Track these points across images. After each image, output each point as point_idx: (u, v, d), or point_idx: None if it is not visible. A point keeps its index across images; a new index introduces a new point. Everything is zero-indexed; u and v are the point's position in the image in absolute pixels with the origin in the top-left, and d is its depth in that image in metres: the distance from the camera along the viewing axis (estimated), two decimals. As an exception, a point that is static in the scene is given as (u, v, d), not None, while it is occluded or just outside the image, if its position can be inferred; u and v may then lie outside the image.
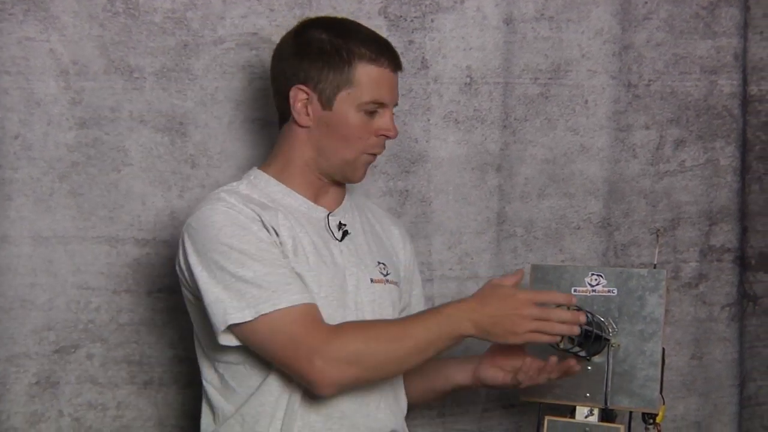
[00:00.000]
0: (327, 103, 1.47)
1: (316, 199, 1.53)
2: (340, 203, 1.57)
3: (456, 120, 1.89)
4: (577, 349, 1.66)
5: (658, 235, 1.86)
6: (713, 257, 2.06)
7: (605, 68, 1.94)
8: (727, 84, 2.01)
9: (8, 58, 1.67)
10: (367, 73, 1.46)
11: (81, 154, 1.72)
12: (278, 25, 1.76)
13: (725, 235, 2.05)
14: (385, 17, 1.82)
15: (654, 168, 2.01)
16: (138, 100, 1.73)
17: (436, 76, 1.87)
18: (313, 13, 1.77)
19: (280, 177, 1.52)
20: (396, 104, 1.52)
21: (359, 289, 1.51)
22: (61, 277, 1.73)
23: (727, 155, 2.03)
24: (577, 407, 1.70)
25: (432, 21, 1.84)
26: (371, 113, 1.48)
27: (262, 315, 1.36)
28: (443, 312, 1.44)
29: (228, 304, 1.37)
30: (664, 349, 1.70)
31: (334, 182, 1.55)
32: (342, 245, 1.52)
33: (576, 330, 1.45)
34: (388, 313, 1.55)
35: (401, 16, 1.83)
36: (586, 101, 1.95)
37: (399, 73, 1.51)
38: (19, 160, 1.70)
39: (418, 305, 1.70)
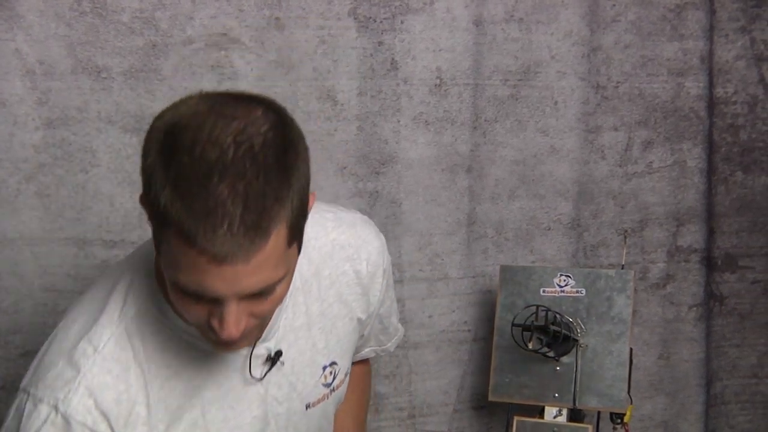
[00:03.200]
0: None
1: None
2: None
3: (426, 121, 1.89)
4: (545, 349, 1.67)
5: (625, 236, 1.88)
6: (680, 258, 2.08)
7: (574, 70, 1.95)
8: (694, 86, 2.03)
9: (-27, 57, 1.65)
10: (178, 251, 0.95)
11: (48, 154, 1.71)
12: (248, 26, 1.75)
13: (692, 235, 2.07)
14: (355, 18, 1.82)
15: (622, 169, 2.03)
16: (106, 100, 1.72)
17: (406, 78, 1.87)
18: (282, 14, 1.77)
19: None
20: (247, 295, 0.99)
21: (288, 428, 1.25)
22: (27, 280, 1.71)
23: (694, 157, 2.05)
24: (546, 407, 1.71)
25: (402, 22, 1.84)
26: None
27: None
28: None
29: None
30: (631, 349, 1.72)
31: None
32: (264, 383, 1.19)
33: None
34: (328, 423, 1.34)
35: (371, 18, 1.82)
36: (556, 102, 1.96)
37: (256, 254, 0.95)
38: (-16, 160, 1.68)
39: (374, 328, 1.41)
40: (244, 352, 1.14)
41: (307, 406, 1.26)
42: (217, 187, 0.91)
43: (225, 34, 1.76)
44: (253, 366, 1.16)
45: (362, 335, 1.37)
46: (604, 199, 2.02)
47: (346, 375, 1.31)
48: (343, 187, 1.85)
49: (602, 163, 2.01)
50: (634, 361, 1.74)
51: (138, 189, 1.72)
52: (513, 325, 1.66)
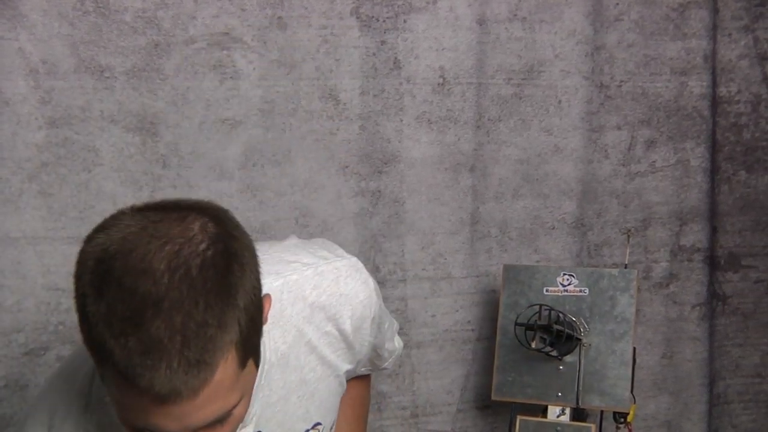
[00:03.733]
0: None
1: None
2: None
3: (429, 120, 1.89)
4: (548, 348, 1.66)
5: (628, 236, 1.88)
6: (683, 257, 2.07)
7: (578, 69, 1.95)
8: (697, 85, 2.03)
9: (-24, 57, 1.65)
10: (120, 390, 0.88)
11: (51, 154, 1.71)
12: (249, 25, 1.75)
13: (695, 235, 2.07)
14: (357, 18, 1.81)
15: (626, 168, 2.02)
16: (108, 99, 1.72)
17: (409, 77, 1.86)
18: (285, 14, 1.77)
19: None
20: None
21: None
22: (30, 279, 1.71)
23: (697, 156, 2.05)
24: (549, 407, 1.71)
25: (404, 21, 1.84)
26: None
27: None
28: None
29: None
30: (634, 348, 1.72)
31: None
32: None
33: None
34: None
35: (373, 17, 1.82)
36: (560, 102, 1.96)
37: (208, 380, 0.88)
38: (-13, 160, 1.68)
39: (370, 362, 1.35)
40: None
41: None
42: (152, 324, 0.83)
43: (227, 34, 1.75)
44: None
45: (354, 371, 1.30)
46: (608, 199, 2.02)
47: (332, 428, 1.26)
48: (345, 186, 1.85)
49: (606, 163, 2.01)
50: (638, 360, 1.74)
51: (140, 188, 1.73)
52: (516, 324, 1.66)
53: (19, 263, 1.70)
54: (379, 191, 1.88)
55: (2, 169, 1.68)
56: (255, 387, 1.05)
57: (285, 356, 1.14)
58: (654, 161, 2.03)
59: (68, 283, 1.72)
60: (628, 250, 1.86)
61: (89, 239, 0.90)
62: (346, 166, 1.85)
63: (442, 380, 1.98)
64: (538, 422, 1.69)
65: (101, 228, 0.91)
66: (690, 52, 2.01)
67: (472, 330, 1.98)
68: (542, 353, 1.66)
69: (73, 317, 1.74)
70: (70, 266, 1.76)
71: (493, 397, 1.76)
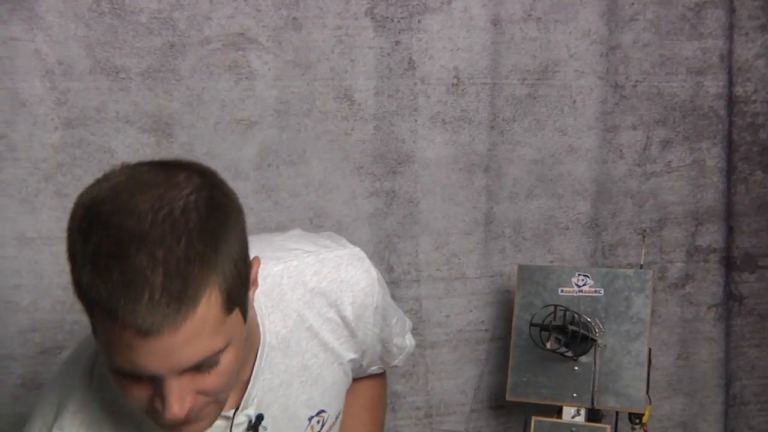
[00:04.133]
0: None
1: None
2: (247, 380, 1.11)
3: (443, 120, 1.89)
4: (563, 349, 1.66)
5: (644, 236, 1.87)
6: (699, 258, 2.06)
7: (593, 69, 1.95)
8: (713, 85, 2.02)
9: (-7, 58, 1.67)
10: (106, 330, 0.91)
11: (66, 154, 1.71)
12: (265, 26, 1.76)
13: (711, 235, 2.06)
14: (372, 18, 1.82)
15: (641, 168, 2.02)
16: (124, 100, 1.72)
17: (423, 77, 1.86)
18: (300, 14, 1.77)
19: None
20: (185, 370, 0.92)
21: None
22: (46, 278, 1.72)
23: (713, 156, 2.04)
24: (564, 407, 1.71)
25: (419, 22, 1.84)
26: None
27: None
28: None
29: None
30: (650, 349, 1.71)
31: None
32: None
33: None
34: None
35: (388, 17, 1.82)
36: (574, 102, 1.95)
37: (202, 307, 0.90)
38: (3, 160, 1.69)
39: (375, 353, 1.33)
40: (223, 423, 1.08)
41: None
42: (135, 258, 0.86)
43: (242, 34, 1.76)
44: None
45: (361, 365, 1.31)
46: (623, 199, 2.02)
47: (337, 418, 1.26)
48: (359, 186, 1.85)
49: (621, 163, 2.00)
50: (653, 361, 1.74)
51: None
52: (531, 324, 1.65)
53: (36, 263, 1.72)
54: (394, 191, 1.88)
55: (19, 170, 1.70)
56: (255, 370, 1.09)
57: (286, 340, 1.14)
58: (670, 161, 2.03)
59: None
60: (643, 251, 1.85)
61: (80, 195, 0.94)
62: (361, 167, 1.85)
63: (456, 380, 1.98)
64: (553, 423, 1.69)
65: (93, 184, 0.94)
66: (706, 51, 2.00)
67: (486, 330, 1.98)
68: (557, 354, 1.66)
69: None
70: (86, 266, 1.77)
71: (508, 398, 1.75)
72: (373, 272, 1.22)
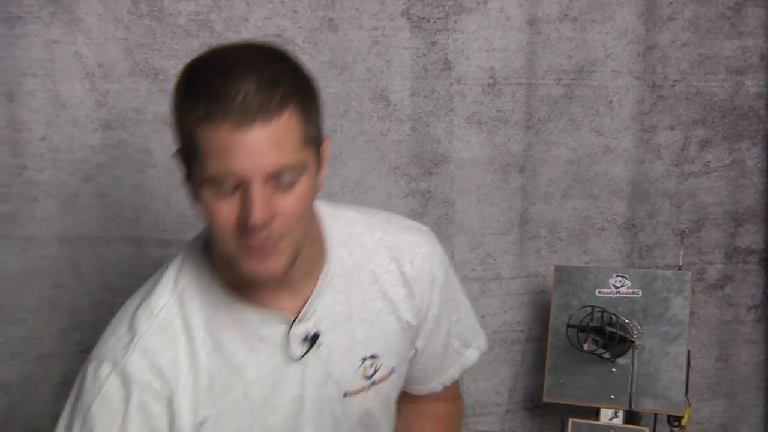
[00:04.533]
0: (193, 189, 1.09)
1: (271, 300, 1.17)
2: (309, 295, 1.19)
3: (479, 121, 1.88)
4: (601, 350, 1.65)
5: (682, 237, 1.86)
6: (739, 259, 2.04)
7: (629, 69, 1.93)
8: (753, 84, 1.99)
9: (34, 60, 1.69)
10: (202, 139, 1.02)
11: (106, 155, 1.74)
12: (301, 27, 1.76)
13: (751, 236, 2.04)
14: (408, 18, 1.82)
15: (679, 169, 2.00)
16: (162, 101, 1.74)
17: (459, 77, 1.86)
18: (336, 15, 1.78)
19: (223, 269, 1.17)
20: (276, 173, 1.03)
21: (323, 413, 1.24)
22: (86, 278, 1.74)
23: (753, 156, 2.02)
24: (602, 409, 1.70)
25: (455, 22, 1.84)
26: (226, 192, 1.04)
27: None
28: None
29: None
30: (689, 351, 1.70)
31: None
32: (302, 363, 1.19)
33: None
34: (375, 420, 1.32)
35: (424, 18, 1.82)
36: (611, 102, 1.94)
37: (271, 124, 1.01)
38: (45, 161, 1.72)
39: (434, 349, 1.37)
40: (282, 330, 1.17)
41: (345, 395, 1.25)
42: (233, 72, 1.00)
43: (279, 35, 1.77)
44: (293, 345, 1.18)
45: (416, 349, 1.34)
46: (660, 199, 2.00)
47: (391, 373, 1.29)
48: (395, 187, 1.85)
49: (658, 163, 1.99)
50: (692, 363, 1.72)
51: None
52: (568, 326, 1.65)
53: (76, 263, 1.74)
54: (429, 192, 1.88)
55: (59, 171, 1.72)
56: (318, 285, 1.18)
57: (349, 274, 1.23)
58: (708, 161, 2.01)
59: (123, 283, 1.77)
60: (681, 252, 1.83)
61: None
62: (397, 167, 1.85)
63: (491, 381, 1.97)
64: (590, 425, 1.68)
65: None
66: (746, 50, 1.98)
67: (521, 331, 1.97)
68: (594, 355, 1.65)
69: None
70: (125, 266, 1.80)
71: (545, 399, 1.75)
72: (438, 247, 1.31)
